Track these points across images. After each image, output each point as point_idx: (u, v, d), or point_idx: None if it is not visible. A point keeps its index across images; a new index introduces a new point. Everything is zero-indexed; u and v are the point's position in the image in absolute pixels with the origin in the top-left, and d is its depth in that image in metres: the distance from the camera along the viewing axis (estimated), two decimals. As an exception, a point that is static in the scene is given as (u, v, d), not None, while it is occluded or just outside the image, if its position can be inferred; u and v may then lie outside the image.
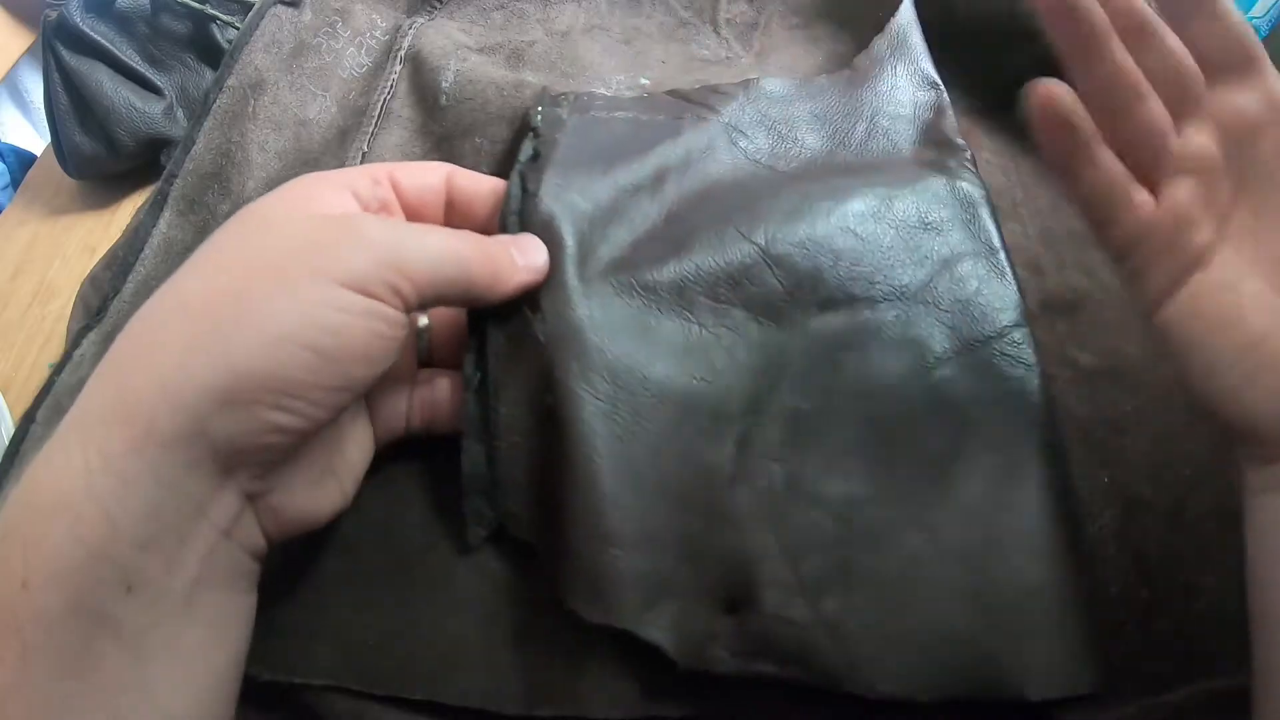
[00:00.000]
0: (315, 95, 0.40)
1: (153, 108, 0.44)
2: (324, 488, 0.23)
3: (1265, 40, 0.44)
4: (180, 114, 0.46)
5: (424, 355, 0.29)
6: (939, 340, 0.27)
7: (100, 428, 0.19)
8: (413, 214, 0.27)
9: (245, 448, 0.20)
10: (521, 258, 0.26)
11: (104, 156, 0.45)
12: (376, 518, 0.27)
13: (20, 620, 0.18)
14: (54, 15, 0.43)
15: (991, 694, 0.22)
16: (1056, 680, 0.23)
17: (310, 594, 0.26)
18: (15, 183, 0.54)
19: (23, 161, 0.56)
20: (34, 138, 0.64)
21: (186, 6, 0.45)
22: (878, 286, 0.28)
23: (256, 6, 0.42)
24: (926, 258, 0.29)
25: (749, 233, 0.28)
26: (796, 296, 0.28)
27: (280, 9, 0.42)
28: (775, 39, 0.43)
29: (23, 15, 0.56)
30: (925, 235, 0.29)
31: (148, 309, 0.21)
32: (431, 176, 0.27)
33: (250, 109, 0.39)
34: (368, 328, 0.21)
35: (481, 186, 0.28)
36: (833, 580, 0.24)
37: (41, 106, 0.46)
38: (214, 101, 0.40)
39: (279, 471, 0.22)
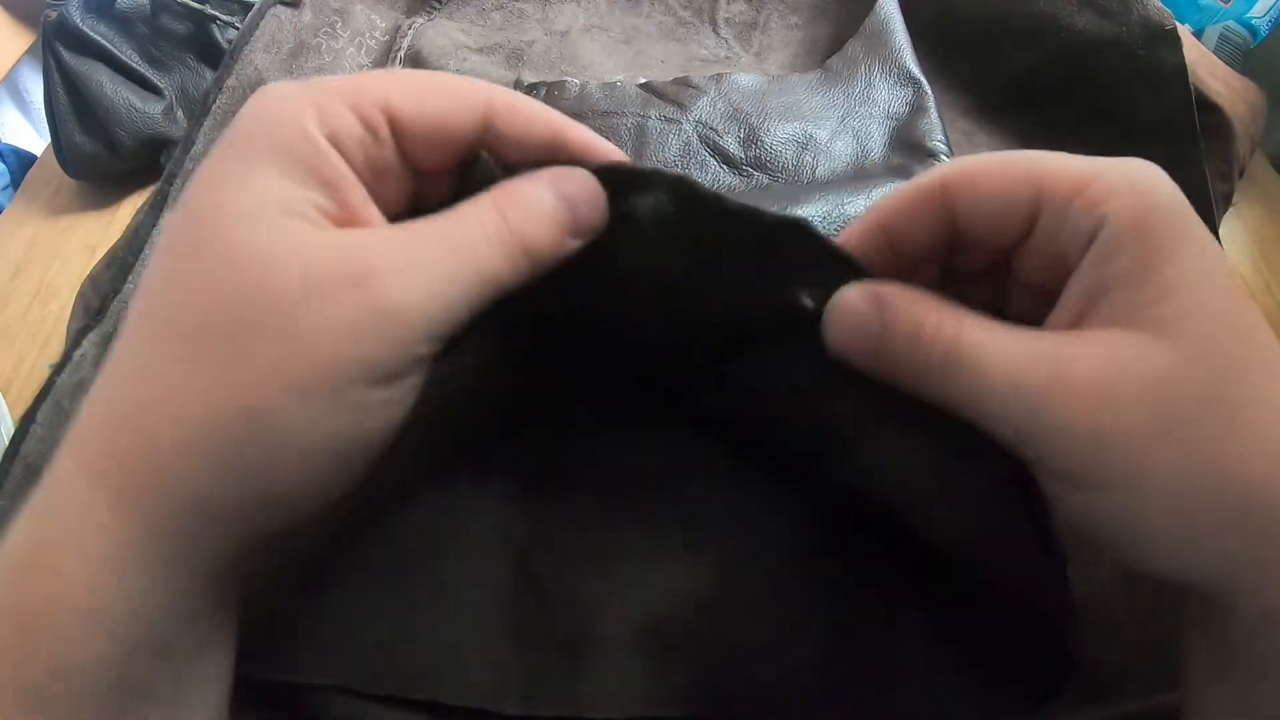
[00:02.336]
0: (315, 95, 0.41)
1: (153, 108, 0.44)
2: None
3: (1264, 40, 0.44)
4: (180, 114, 0.46)
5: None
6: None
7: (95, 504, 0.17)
8: (418, 177, 0.21)
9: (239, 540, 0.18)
10: (566, 209, 0.20)
11: (104, 156, 0.45)
12: (377, 517, 0.27)
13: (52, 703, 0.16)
14: (54, 15, 0.43)
15: None
16: None
17: (310, 594, 0.26)
18: (15, 183, 0.54)
19: (23, 161, 0.56)
20: (34, 138, 0.64)
21: (186, 6, 0.45)
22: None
23: (256, 6, 0.42)
24: None
25: None
26: None
27: (280, 9, 0.42)
28: (774, 38, 0.43)
29: (23, 15, 0.56)
30: None
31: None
32: (455, 118, 0.20)
33: (250, 109, 0.39)
34: (386, 415, 0.18)
35: (533, 132, 0.21)
36: None
37: (41, 106, 0.46)
38: (214, 102, 0.40)
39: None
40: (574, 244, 0.20)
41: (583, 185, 0.20)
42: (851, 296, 0.19)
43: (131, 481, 0.17)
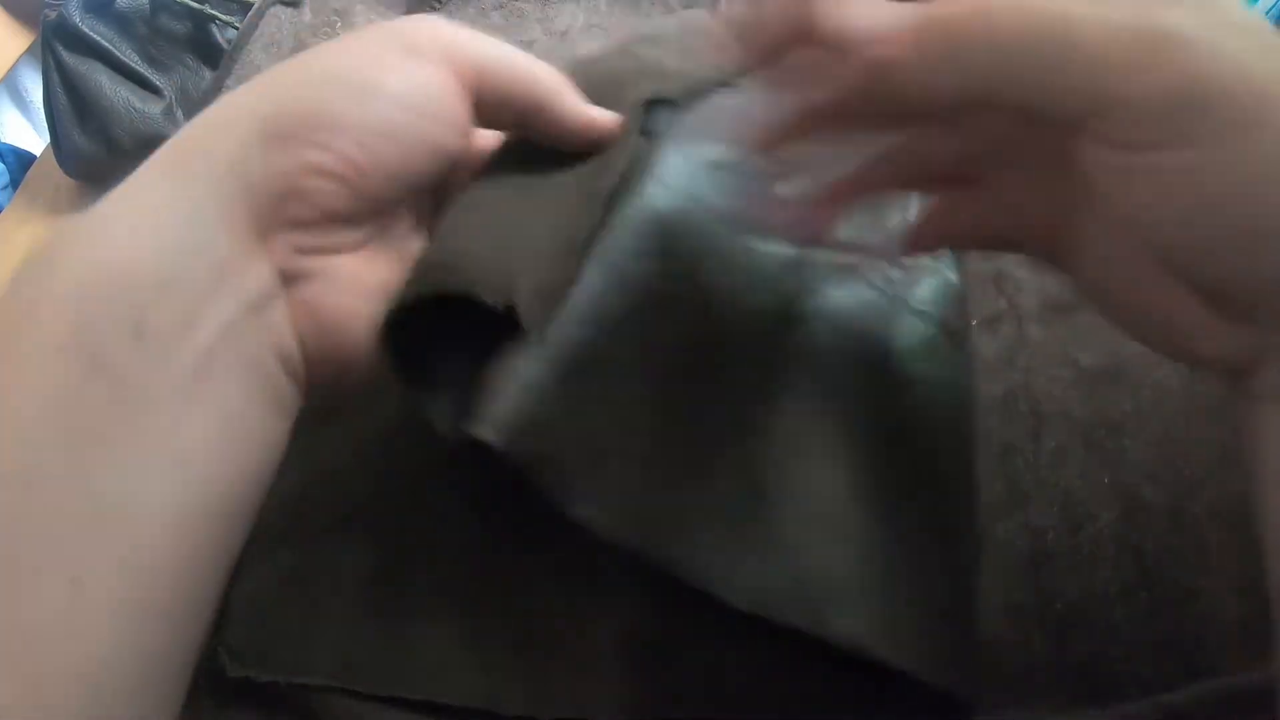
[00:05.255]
0: (315, 95, 0.41)
1: (152, 108, 0.44)
2: (370, 303, 0.21)
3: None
4: (180, 114, 0.46)
5: None
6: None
7: (152, 163, 0.19)
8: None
9: (281, 192, 0.19)
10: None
11: (104, 156, 0.45)
12: (378, 516, 0.27)
13: (21, 347, 0.16)
14: (54, 15, 0.43)
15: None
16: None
17: (310, 594, 0.26)
18: (15, 183, 0.54)
19: (23, 161, 0.56)
20: (34, 138, 0.64)
21: (186, 6, 0.45)
22: None
23: (256, 6, 0.42)
24: None
25: None
26: None
27: (280, 9, 0.42)
28: (775, 38, 0.43)
29: (23, 15, 0.56)
30: None
31: None
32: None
33: (250, 109, 0.39)
34: (416, 84, 0.20)
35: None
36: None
37: (41, 106, 0.46)
38: (213, 101, 0.40)
39: (321, 255, 0.20)
40: (600, 124, 0.23)
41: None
42: None
43: (182, 151, 0.19)
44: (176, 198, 0.18)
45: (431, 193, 0.23)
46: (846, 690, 0.24)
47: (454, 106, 0.21)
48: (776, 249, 0.25)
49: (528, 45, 0.42)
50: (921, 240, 0.23)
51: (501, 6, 0.45)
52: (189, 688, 0.21)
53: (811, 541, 0.22)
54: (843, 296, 0.26)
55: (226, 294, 0.18)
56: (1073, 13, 0.14)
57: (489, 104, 0.22)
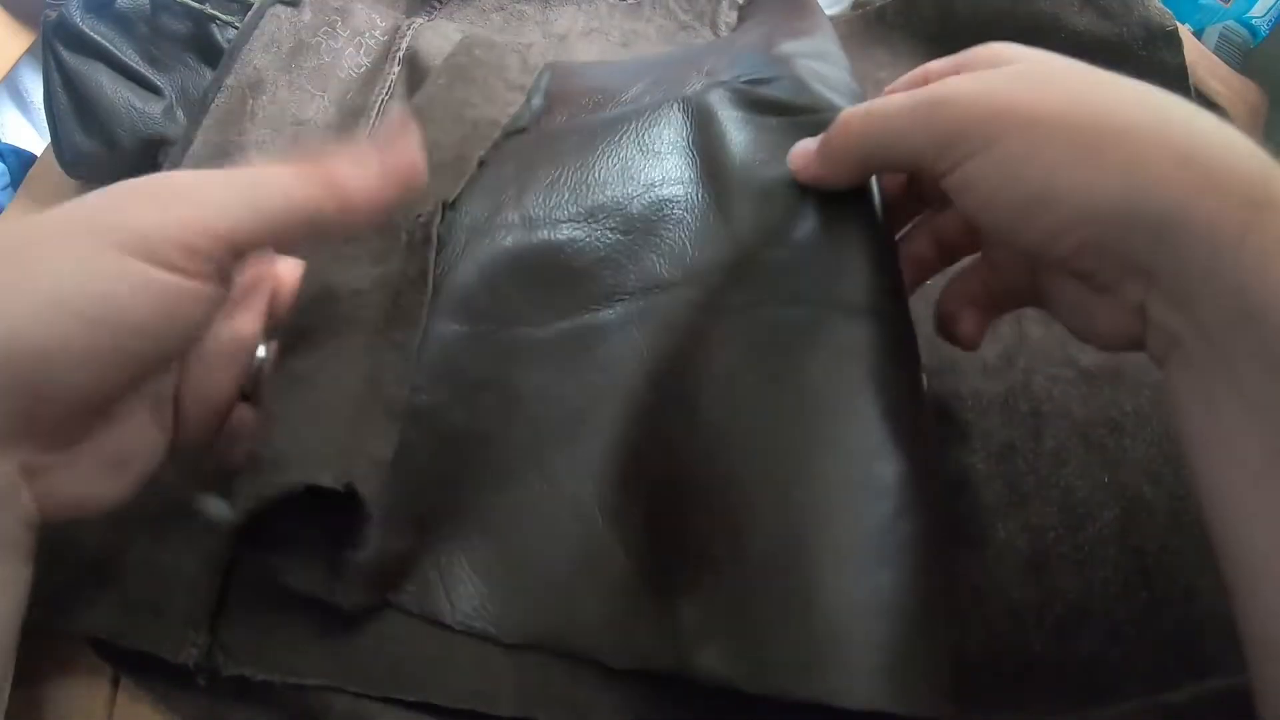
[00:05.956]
0: (313, 95, 0.41)
1: (153, 108, 0.44)
2: (110, 479, 0.22)
3: (1264, 40, 0.44)
4: (180, 114, 0.45)
5: (249, 389, 0.26)
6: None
7: None
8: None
9: (21, 416, 0.19)
10: (379, 165, 0.23)
11: (104, 156, 0.45)
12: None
13: None
14: (54, 15, 0.43)
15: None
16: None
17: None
18: (15, 183, 0.54)
19: (23, 161, 0.56)
20: (34, 138, 0.64)
21: (186, 6, 0.45)
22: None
23: (256, 6, 0.42)
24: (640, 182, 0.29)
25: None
26: None
27: (279, 9, 0.42)
28: (775, 39, 0.43)
29: (23, 15, 0.56)
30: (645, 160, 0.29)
31: None
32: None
33: (249, 109, 0.39)
34: (148, 298, 0.20)
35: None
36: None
37: (41, 106, 0.46)
38: (212, 101, 0.40)
39: (65, 451, 0.21)
40: (390, 190, 0.23)
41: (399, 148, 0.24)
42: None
43: None
44: None
45: None
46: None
47: (175, 305, 0.20)
48: (567, 328, 0.27)
49: (526, 48, 0.42)
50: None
51: (502, 8, 0.45)
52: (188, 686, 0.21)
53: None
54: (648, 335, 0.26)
55: None
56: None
57: (254, 248, 0.22)
